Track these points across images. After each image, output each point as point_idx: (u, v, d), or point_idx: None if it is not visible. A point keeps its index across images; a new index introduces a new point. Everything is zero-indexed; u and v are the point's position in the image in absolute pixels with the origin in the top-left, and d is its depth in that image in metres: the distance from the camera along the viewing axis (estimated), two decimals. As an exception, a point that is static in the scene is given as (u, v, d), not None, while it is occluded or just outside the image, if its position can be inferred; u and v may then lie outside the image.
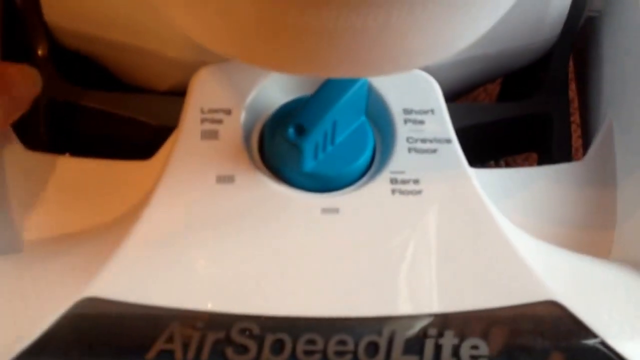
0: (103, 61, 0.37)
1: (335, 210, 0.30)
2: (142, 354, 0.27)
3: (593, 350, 0.28)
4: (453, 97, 0.42)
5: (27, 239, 0.32)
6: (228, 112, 0.31)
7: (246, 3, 0.22)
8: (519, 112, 0.38)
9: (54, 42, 0.36)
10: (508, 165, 0.51)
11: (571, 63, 0.41)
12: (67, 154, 0.34)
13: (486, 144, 0.40)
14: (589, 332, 0.28)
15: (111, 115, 0.36)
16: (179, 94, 0.33)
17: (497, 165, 0.52)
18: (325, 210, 0.30)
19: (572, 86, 0.41)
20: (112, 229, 0.30)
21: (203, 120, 0.31)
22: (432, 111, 0.32)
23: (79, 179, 0.33)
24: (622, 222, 0.33)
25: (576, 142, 0.42)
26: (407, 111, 0.32)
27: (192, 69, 0.33)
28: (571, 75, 0.42)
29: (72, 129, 0.37)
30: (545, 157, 0.39)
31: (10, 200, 0.32)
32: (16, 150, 0.33)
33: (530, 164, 0.49)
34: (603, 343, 0.28)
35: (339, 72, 0.25)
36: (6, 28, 0.36)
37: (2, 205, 0.32)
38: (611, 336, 0.28)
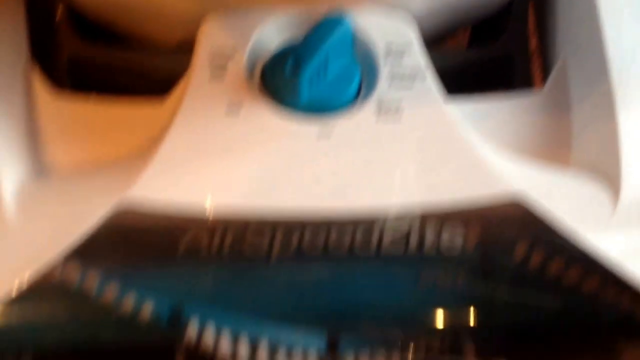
0: (116, 24, 0.42)
1: (328, 136, 0.35)
2: (172, 252, 0.32)
3: (559, 247, 0.33)
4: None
5: (57, 170, 0.37)
6: (233, 55, 0.36)
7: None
8: (484, 56, 0.43)
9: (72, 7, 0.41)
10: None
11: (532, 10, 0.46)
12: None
13: (456, 87, 0.45)
14: (553, 231, 0.33)
15: (127, 69, 0.40)
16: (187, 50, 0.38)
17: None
18: (320, 136, 0.35)
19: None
20: (138, 153, 0.35)
21: (211, 63, 0.36)
22: (410, 47, 0.37)
23: (102, 118, 0.38)
24: (577, 141, 0.38)
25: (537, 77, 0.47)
26: (388, 47, 0.37)
27: (197, 23, 0.37)
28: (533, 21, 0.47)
29: (92, 83, 0.41)
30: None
31: (39, 138, 0.37)
32: (44, 94, 0.38)
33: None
34: (568, 240, 0.33)
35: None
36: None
37: (32, 141, 0.37)
38: (576, 232, 0.33)
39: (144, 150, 0.35)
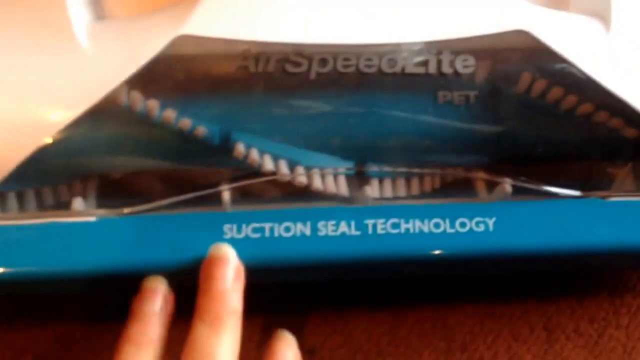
0: None
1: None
2: (222, 78, 0.38)
3: (563, 72, 0.38)
4: None
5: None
6: None
7: None
8: None
9: None
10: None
11: None
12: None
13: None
14: (557, 57, 0.38)
15: None
16: None
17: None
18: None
19: None
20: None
21: None
22: None
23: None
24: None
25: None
26: None
27: None
28: None
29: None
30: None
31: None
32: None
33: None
34: (573, 65, 0.38)
35: None
36: None
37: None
38: (577, 59, 0.38)
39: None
